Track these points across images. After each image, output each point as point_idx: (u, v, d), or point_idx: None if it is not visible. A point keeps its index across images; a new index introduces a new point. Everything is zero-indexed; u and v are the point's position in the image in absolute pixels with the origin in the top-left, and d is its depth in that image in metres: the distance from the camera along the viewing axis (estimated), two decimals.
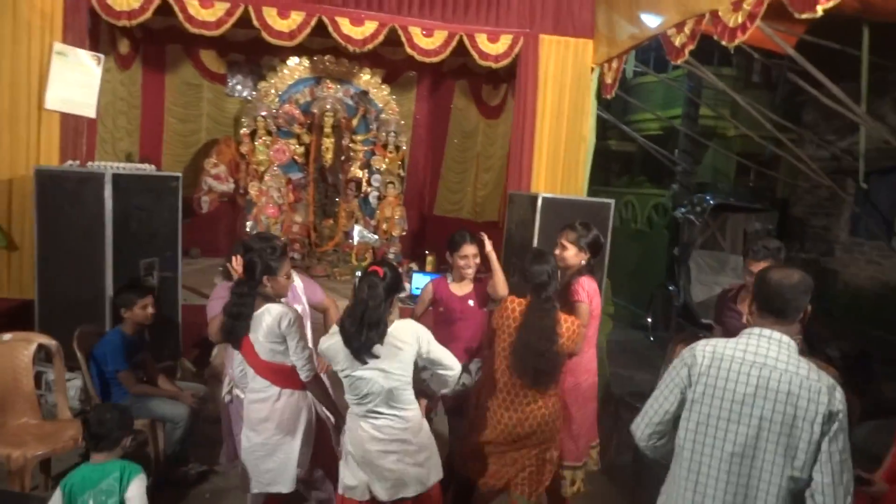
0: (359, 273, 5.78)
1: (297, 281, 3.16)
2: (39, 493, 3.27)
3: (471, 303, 3.42)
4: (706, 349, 1.93)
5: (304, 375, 2.67)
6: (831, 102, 5.95)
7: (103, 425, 2.43)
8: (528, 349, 2.74)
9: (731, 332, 2.92)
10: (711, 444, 1.87)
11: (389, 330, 2.42)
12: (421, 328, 2.53)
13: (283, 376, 2.69)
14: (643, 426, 2.04)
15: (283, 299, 2.79)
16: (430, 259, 6.72)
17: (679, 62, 4.63)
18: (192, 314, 4.88)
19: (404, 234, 7.41)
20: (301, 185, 7.25)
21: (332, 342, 2.47)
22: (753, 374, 1.84)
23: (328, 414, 2.88)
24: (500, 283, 3.31)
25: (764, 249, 2.89)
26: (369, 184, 7.43)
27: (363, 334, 2.36)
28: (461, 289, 3.46)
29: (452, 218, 8.30)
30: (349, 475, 2.52)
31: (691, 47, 4.30)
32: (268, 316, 2.61)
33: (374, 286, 2.41)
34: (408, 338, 2.46)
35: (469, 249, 3.35)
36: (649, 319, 8.40)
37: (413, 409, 2.52)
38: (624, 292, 8.28)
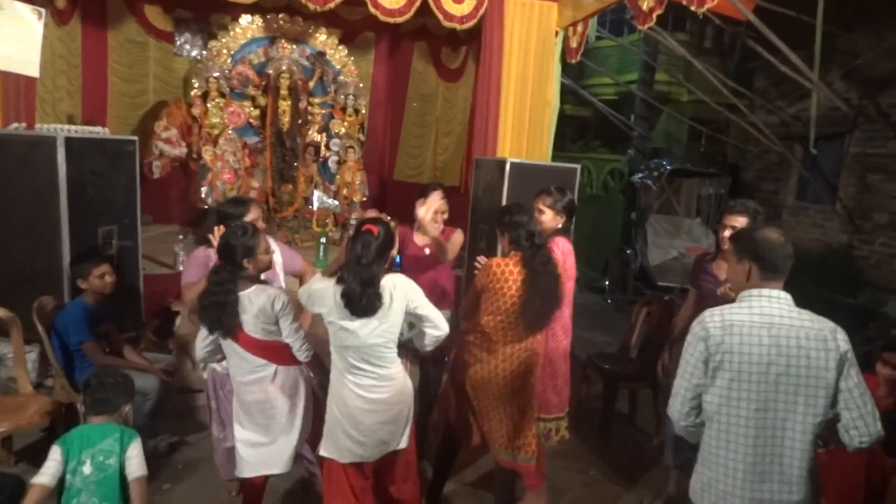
0: (323, 239, 5.75)
1: (277, 255, 3.06)
2: (2, 468, 3.14)
3: (427, 251, 3.59)
4: (714, 319, 1.97)
5: (303, 357, 2.65)
6: (787, 69, 6.11)
7: (104, 389, 2.39)
8: (544, 298, 2.78)
9: (706, 296, 3.05)
10: (737, 405, 1.93)
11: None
12: (409, 283, 2.51)
13: (277, 353, 2.63)
14: (679, 407, 2.03)
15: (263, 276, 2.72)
16: (392, 225, 6.65)
17: (645, 27, 4.65)
18: (152, 283, 4.74)
19: (365, 199, 7.31)
20: (257, 149, 7.03)
21: (323, 286, 2.45)
22: (764, 333, 1.91)
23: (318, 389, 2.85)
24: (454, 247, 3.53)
25: (741, 205, 2.99)
26: (328, 148, 7.27)
27: (364, 294, 2.34)
28: (421, 239, 3.61)
29: (412, 183, 8.22)
30: (332, 436, 2.54)
31: (659, 11, 4.32)
32: (257, 298, 2.55)
33: (368, 245, 2.40)
34: (397, 291, 2.44)
35: (437, 196, 3.52)
36: (606, 283, 8.60)
37: (396, 367, 2.54)
38: (580, 256, 8.42)
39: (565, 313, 3.18)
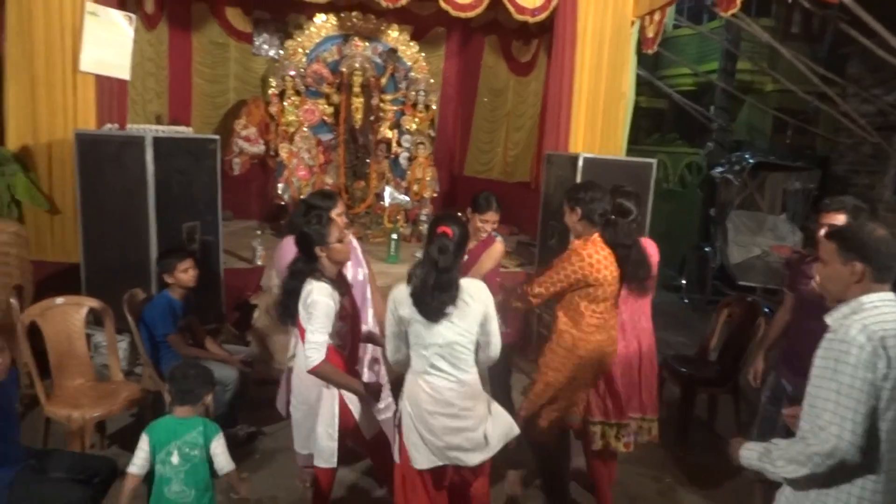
0: (394, 235, 5.80)
1: (355, 243, 3.10)
2: (97, 451, 3.34)
3: (465, 257, 3.47)
4: (887, 329, 1.70)
5: (307, 363, 2.51)
6: (885, 53, 5.69)
7: (188, 381, 2.48)
8: (637, 265, 2.90)
9: (805, 299, 2.82)
10: None
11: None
12: (490, 294, 2.47)
13: None
14: (858, 440, 1.69)
15: (344, 265, 2.74)
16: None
17: (728, 14, 4.44)
18: (232, 277, 4.91)
19: (436, 195, 7.33)
20: (331, 146, 7.17)
21: (403, 290, 2.42)
22: None
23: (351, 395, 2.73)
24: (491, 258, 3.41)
25: (839, 202, 2.77)
26: (399, 144, 7.33)
27: (434, 297, 2.31)
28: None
29: (483, 178, 8.19)
30: (406, 441, 2.49)
31: None
32: (305, 288, 2.58)
33: (446, 249, 2.34)
34: (477, 295, 2.40)
35: (493, 216, 3.39)
36: (683, 281, 8.29)
37: (473, 374, 2.47)
38: None
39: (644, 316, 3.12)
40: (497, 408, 2.57)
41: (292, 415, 2.86)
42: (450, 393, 2.42)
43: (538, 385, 2.99)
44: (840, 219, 2.68)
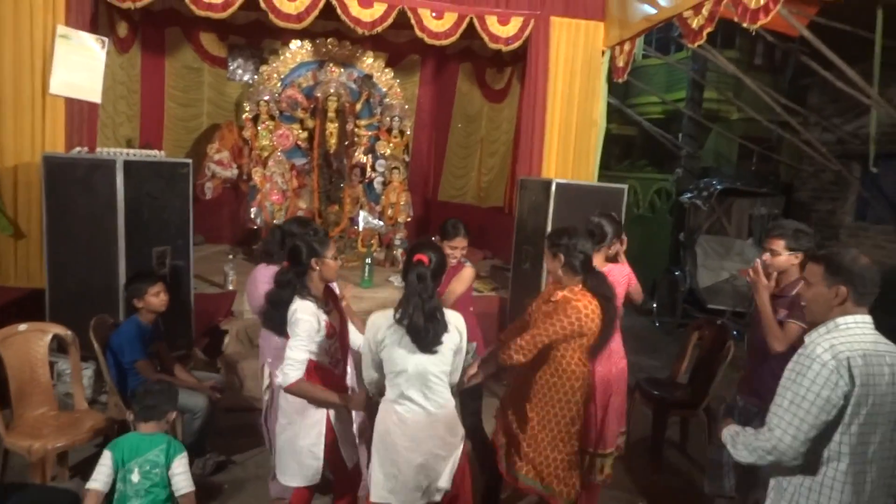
0: (368, 259, 5.79)
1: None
2: (59, 483, 3.23)
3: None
4: (852, 348, 1.83)
5: (280, 378, 2.47)
6: (843, 85, 5.91)
7: (152, 396, 2.48)
8: (610, 326, 2.74)
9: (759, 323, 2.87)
10: (867, 441, 1.84)
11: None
12: (464, 324, 2.47)
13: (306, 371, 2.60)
14: (798, 445, 1.86)
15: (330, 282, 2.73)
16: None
17: (695, 45, 4.58)
18: (202, 302, 4.84)
19: (409, 219, 7.35)
20: (305, 170, 7.17)
21: (381, 315, 2.39)
22: (884, 363, 1.83)
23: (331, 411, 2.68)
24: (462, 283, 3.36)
25: (779, 227, 2.83)
26: (374, 169, 7.36)
27: (428, 328, 2.30)
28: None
29: (457, 203, 8.26)
30: (374, 475, 2.42)
31: (710, 29, 4.25)
32: (290, 307, 2.55)
33: (424, 277, 2.35)
34: (454, 325, 2.40)
35: (461, 242, 3.36)
36: (654, 305, 8.39)
37: (447, 406, 2.45)
38: None
39: (615, 338, 3.13)
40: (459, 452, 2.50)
41: (276, 439, 2.76)
42: (421, 425, 2.38)
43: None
44: (780, 244, 2.74)
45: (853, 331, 1.87)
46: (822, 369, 1.81)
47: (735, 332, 4.68)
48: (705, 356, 4.36)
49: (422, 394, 2.38)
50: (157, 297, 3.50)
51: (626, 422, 3.34)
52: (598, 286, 2.68)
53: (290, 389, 2.47)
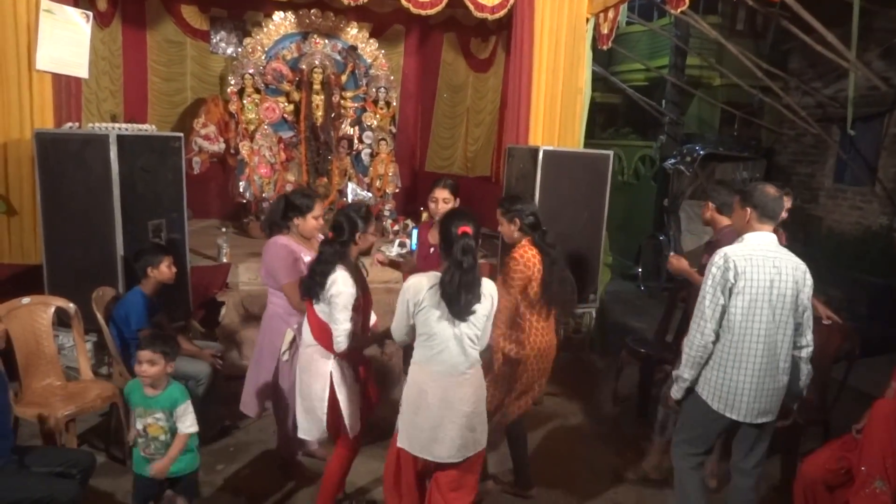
0: None
1: None
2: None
3: (431, 250, 3.49)
4: (736, 253, 2.53)
5: (337, 346, 2.66)
6: (823, 49, 6.02)
7: (155, 345, 2.65)
8: (562, 281, 3.08)
9: None
10: (753, 318, 2.52)
11: None
12: (496, 291, 2.57)
13: (321, 333, 2.72)
14: (707, 331, 2.55)
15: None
16: (424, 216, 6.74)
17: (678, 11, 4.65)
18: (197, 275, 4.90)
19: (398, 190, 7.41)
20: (292, 143, 7.18)
21: (418, 280, 2.46)
22: (769, 264, 2.52)
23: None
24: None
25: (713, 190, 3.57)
26: (361, 141, 7.39)
27: (462, 297, 2.38)
28: (433, 236, 3.54)
29: (444, 173, 8.29)
30: (405, 428, 2.52)
31: None
32: (330, 276, 2.64)
33: (469, 249, 2.41)
34: (488, 292, 2.50)
35: (440, 193, 3.44)
36: (639, 270, 8.57)
37: (476, 371, 2.53)
38: (612, 244, 8.41)
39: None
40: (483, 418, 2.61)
41: (300, 401, 2.86)
42: (452, 388, 2.46)
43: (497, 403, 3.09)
44: (710, 206, 3.61)
45: (752, 242, 2.57)
46: (716, 270, 2.54)
47: None
48: (689, 316, 4.51)
49: (453, 355, 2.46)
50: (169, 269, 3.57)
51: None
52: (542, 242, 3.02)
53: (345, 352, 2.70)
